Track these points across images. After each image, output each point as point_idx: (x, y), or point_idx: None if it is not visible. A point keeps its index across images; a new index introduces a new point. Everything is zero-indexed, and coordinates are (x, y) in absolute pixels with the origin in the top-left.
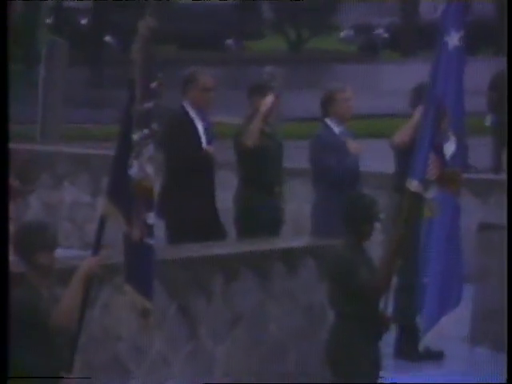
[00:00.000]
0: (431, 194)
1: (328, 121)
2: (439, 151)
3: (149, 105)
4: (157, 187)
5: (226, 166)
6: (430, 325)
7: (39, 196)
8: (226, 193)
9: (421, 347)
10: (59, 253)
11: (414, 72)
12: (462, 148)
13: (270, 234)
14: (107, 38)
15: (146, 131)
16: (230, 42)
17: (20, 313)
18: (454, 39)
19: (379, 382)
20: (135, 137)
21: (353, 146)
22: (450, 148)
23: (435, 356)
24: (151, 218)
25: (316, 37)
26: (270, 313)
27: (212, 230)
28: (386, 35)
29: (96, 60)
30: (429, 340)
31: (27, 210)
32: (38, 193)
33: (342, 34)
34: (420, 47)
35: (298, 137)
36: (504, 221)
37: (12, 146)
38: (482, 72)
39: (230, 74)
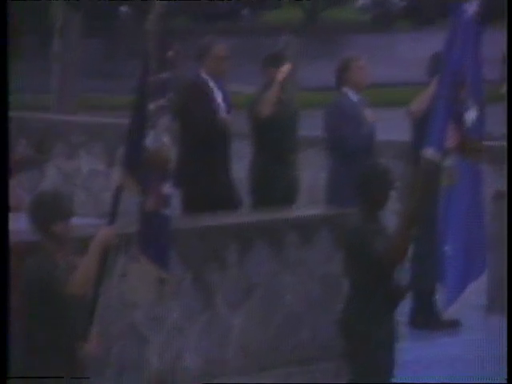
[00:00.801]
0: (450, 161)
1: (345, 89)
2: (458, 120)
3: (165, 75)
4: (173, 157)
5: (240, 136)
6: (455, 295)
7: (54, 165)
8: (240, 163)
9: (445, 317)
10: (75, 222)
11: (431, 41)
12: (481, 116)
13: (285, 203)
14: (121, 9)
15: (162, 101)
16: (245, 11)
17: (35, 281)
18: (471, 7)
19: (394, 351)
20: (151, 107)
21: (369, 114)
22: (469, 116)
23: (451, 325)
24: (167, 187)
25: (331, 6)
26: (284, 282)
27: (227, 199)
28: (402, 3)
29: (110, 31)
30: (453, 310)
31: (43, 179)
32: (54, 162)
33: (359, 4)
34: (437, 15)
35: (313, 106)
36: None
37: (27, 115)
38: (497, 41)
39: (245, 43)
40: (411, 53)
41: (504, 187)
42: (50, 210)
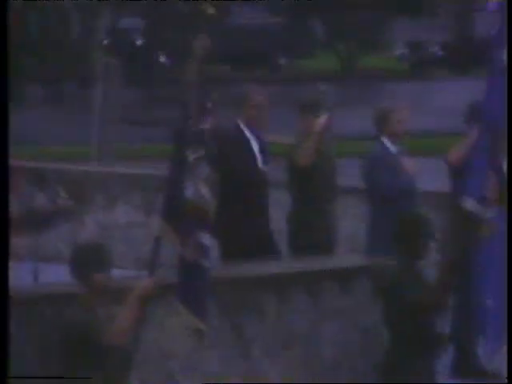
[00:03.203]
0: (490, 213)
1: (384, 139)
2: (498, 170)
3: (204, 125)
4: (212, 208)
5: (279, 185)
6: (497, 346)
7: (93, 216)
8: (279, 212)
9: (490, 369)
10: (114, 273)
11: (467, 89)
12: None
13: (324, 252)
14: (161, 58)
15: (201, 151)
16: (281, 60)
17: (74, 331)
18: (505, 56)
19: None
20: (190, 157)
21: (409, 164)
22: (506, 165)
23: (493, 376)
24: (206, 238)
25: (367, 55)
26: (323, 333)
27: (266, 249)
28: (440, 52)
29: (150, 80)
30: (495, 362)
31: (81, 230)
32: (92, 213)
33: (397, 52)
34: (473, 64)
35: (350, 155)
36: None
37: (66, 165)
38: None
39: (282, 92)
40: (449, 101)
41: None
42: (91, 261)
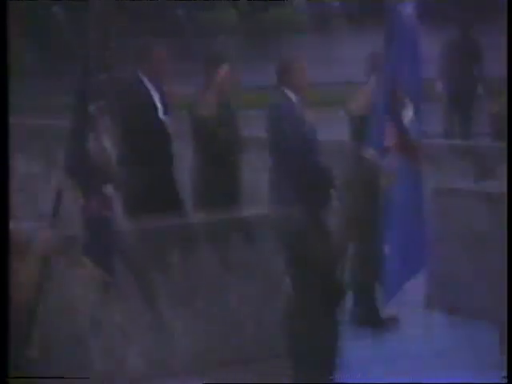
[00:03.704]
0: (388, 161)
1: (285, 90)
2: (396, 118)
3: (103, 76)
4: (114, 159)
5: (180, 137)
6: (393, 293)
7: None
8: (181, 164)
9: (384, 314)
10: (13, 224)
11: (367, 40)
12: (419, 115)
13: (227, 204)
14: (54, 8)
15: (101, 103)
16: (179, 12)
17: None
18: (407, 8)
19: (337, 350)
20: (91, 109)
21: (309, 114)
22: (407, 115)
23: (390, 322)
24: (109, 190)
25: (267, 6)
26: (228, 284)
27: (169, 201)
28: (337, 4)
29: (46, 31)
30: (391, 307)
31: None
32: None
33: (295, 4)
34: (371, 15)
35: (251, 106)
36: (458, 185)
37: None
38: (433, 39)
39: (181, 45)
40: (349, 52)
41: (443, 184)
42: None
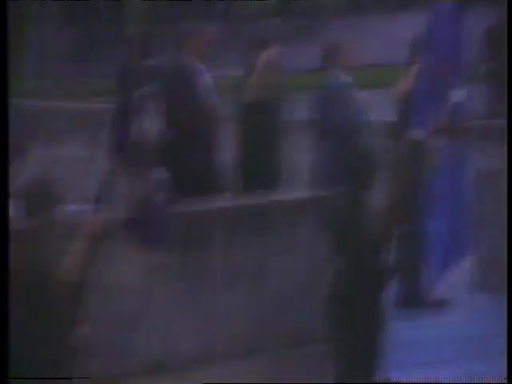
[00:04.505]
0: (435, 142)
1: (334, 71)
2: (442, 100)
3: (149, 61)
4: (160, 143)
5: (227, 120)
6: (440, 274)
7: (37, 152)
8: (227, 146)
9: (431, 296)
10: (62, 208)
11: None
12: (464, 97)
13: (271, 186)
14: None
15: (147, 87)
16: None
17: (25, 268)
18: None
19: (383, 330)
20: (136, 93)
21: (359, 96)
22: (453, 97)
23: (439, 303)
24: (156, 172)
25: None
26: (271, 267)
27: (214, 183)
28: None
29: (91, 16)
30: (438, 289)
31: (29, 166)
32: (36, 149)
33: None
34: None
35: (300, 88)
36: (502, 166)
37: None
38: (477, 22)
39: (226, 28)
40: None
41: (486, 166)
42: (38, 198)
